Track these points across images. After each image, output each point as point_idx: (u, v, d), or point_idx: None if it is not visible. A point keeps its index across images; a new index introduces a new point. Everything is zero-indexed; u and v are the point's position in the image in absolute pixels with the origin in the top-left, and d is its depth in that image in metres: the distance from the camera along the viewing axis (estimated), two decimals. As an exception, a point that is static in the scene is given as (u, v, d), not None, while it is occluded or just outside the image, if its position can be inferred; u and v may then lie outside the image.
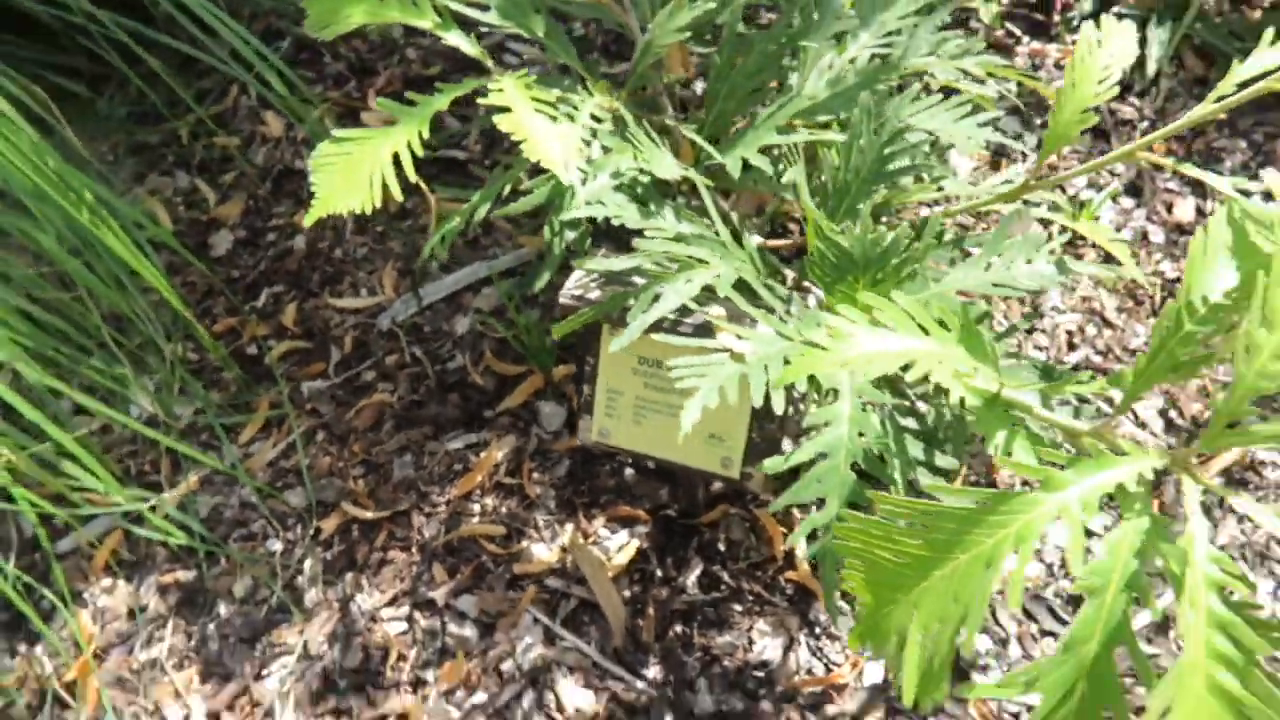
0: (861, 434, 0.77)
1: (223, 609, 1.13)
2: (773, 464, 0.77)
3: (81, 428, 1.26)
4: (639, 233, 0.85)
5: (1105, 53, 0.84)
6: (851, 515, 0.59)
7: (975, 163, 1.50)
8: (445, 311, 1.37)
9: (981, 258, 0.87)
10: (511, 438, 1.23)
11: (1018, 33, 1.64)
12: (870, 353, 0.64)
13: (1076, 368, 1.27)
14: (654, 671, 1.06)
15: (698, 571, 1.13)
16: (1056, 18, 1.66)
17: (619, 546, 1.14)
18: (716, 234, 0.88)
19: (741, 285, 0.85)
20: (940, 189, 1.03)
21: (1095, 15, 1.66)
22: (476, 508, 1.18)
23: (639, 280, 0.88)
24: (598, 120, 0.94)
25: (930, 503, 0.58)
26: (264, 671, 1.08)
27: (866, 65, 1.02)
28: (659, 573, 1.13)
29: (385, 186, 0.84)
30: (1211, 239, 0.66)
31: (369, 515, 1.18)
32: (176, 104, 1.60)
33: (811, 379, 0.77)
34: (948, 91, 1.04)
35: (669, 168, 0.89)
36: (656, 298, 0.81)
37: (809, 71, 1.04)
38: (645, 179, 0.90)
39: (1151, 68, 1.56)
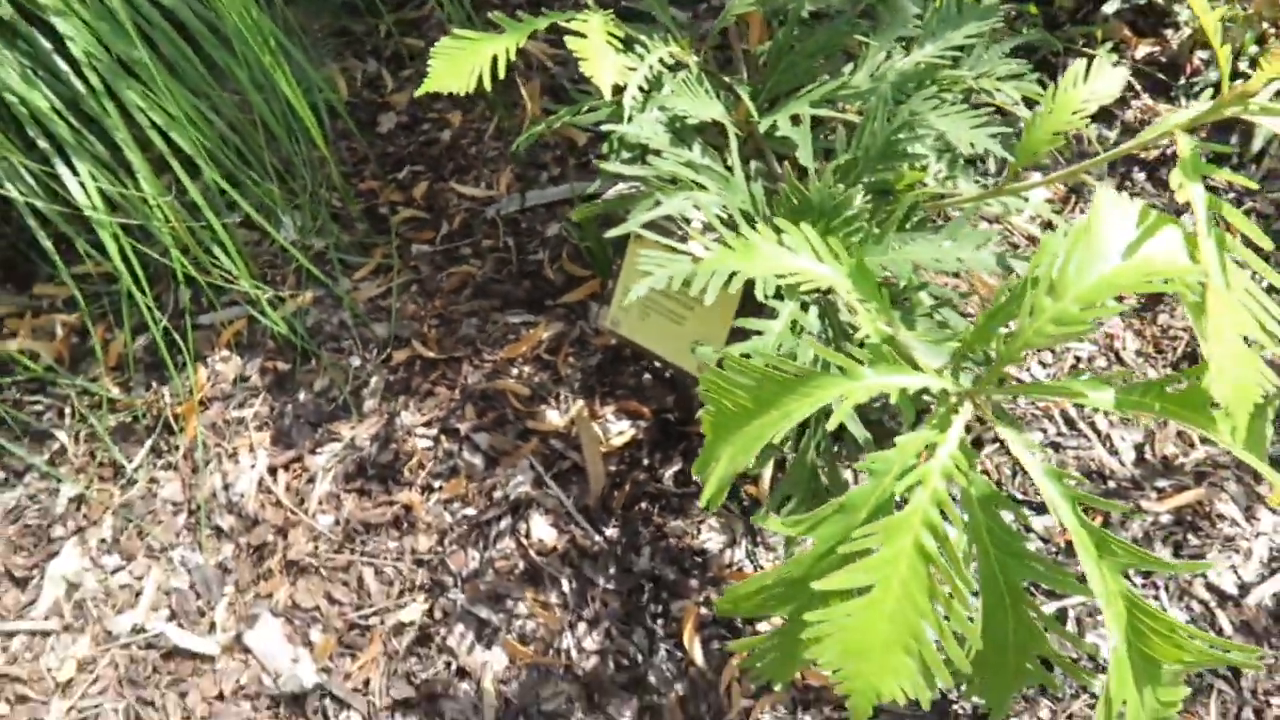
0: (781, 345, 0.94)
1: (301, 396, 1.41)
2: (703, 353, 0.95)
3: (241, 236, 1.57)
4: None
5: (1088, 88, 0.96)
6: (713, 370, 0.78)
7: (1049, 194, 1.59)
8: (542, 215, 1.60)
9: (938, 239, 1.01)
10: (561, 325, 1.45)
11: (1137, 88, 1.70)
12: (768, 262, 0.82)
13: (1071, 390, 1.37)
14: (611, 532, 1.26)
15: (676, 468, 1.32)
16: (1182, 80, 1.71)
17: (619, 432, 1.35)
18: (730, 173, 1.07)
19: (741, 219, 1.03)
20: (952, 182, 1.17)
21: (1219, 85, 1.71)
22: (515, 371, 1.41)
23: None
24: (667, 66, 1.14)
25: (764, 368, 0.75)
26: (317, 450, 1.36)
27: (910, 68, 1.17)
28: (644, 461, 1.33)
29: (481, 78, 1.07)
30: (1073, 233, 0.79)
31: (431, 355, 1.43)
32: (382, 4, 1.90)
33: (751, 297, 0.94)
34: (979, 105, 1.17)
35: (705, 110, 1.08)
36: (656, 204, 1.01)
37: (864, 65, 1.20)
38: (689, 119, 1.09)
39: (1258, 144, 1.60)
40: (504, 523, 1.27)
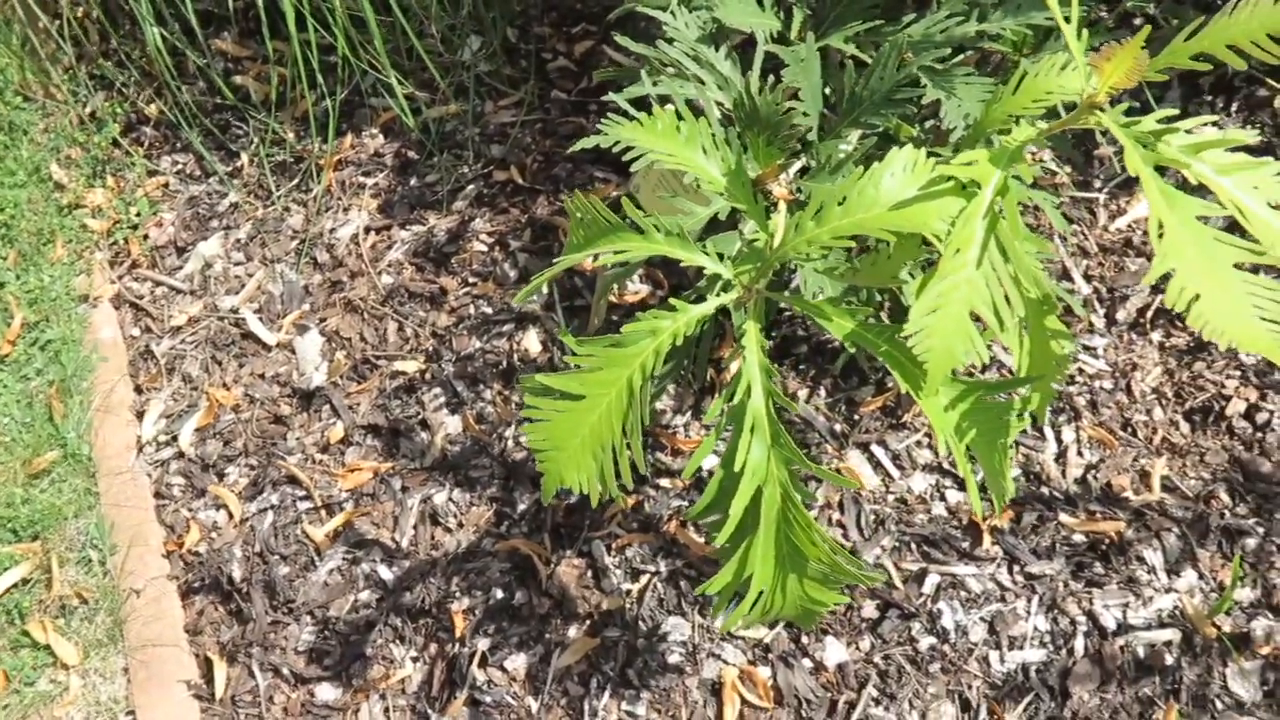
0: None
1: (413, 181, 1.70)
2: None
3: (427, 45, 1.86)
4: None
5: (1059, 81, 0.99)
6: (572, 206, 0.94)
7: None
8: (669, 96, 1.76)
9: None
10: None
11: (1315, 131, 1.55)
12: (661, 144, 0.96)
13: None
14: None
15: (666, 337, 1.47)
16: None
17: (634, 291, 1.52)
18: (747, 78, 1.18)
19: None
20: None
21: None
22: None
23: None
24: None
25: (597, 214, 0.91)
26: (405, 226, 1.65)
27: (961, 32, 1.20)
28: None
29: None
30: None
31: (521, 182, 1.66)
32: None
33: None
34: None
35: (743, 19, 1.19)
36: (655, 84, 1.16)
37: (925, 19, 1.24)
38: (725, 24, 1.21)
39: None
40: (507, 327, 1.50)
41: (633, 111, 1.14)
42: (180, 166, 1.82)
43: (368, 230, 1.65)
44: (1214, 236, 0.71)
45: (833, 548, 0.81)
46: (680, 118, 0.97)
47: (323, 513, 1.39)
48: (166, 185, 1.79)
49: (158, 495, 1.45)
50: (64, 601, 1.36)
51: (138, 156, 1.81)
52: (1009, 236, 0.78)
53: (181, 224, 1.73)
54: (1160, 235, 0.71)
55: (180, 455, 1.47)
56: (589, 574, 1.29)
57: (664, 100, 1.19)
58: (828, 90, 1.24)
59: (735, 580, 0.84)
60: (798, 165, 1.21)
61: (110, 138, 1.80)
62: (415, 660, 1.27)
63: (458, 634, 1.26)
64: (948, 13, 1.23)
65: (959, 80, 1.18)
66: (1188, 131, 0.80)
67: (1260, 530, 1.25)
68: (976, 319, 0.78)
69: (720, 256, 1.02)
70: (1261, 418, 1.32)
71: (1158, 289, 1.43)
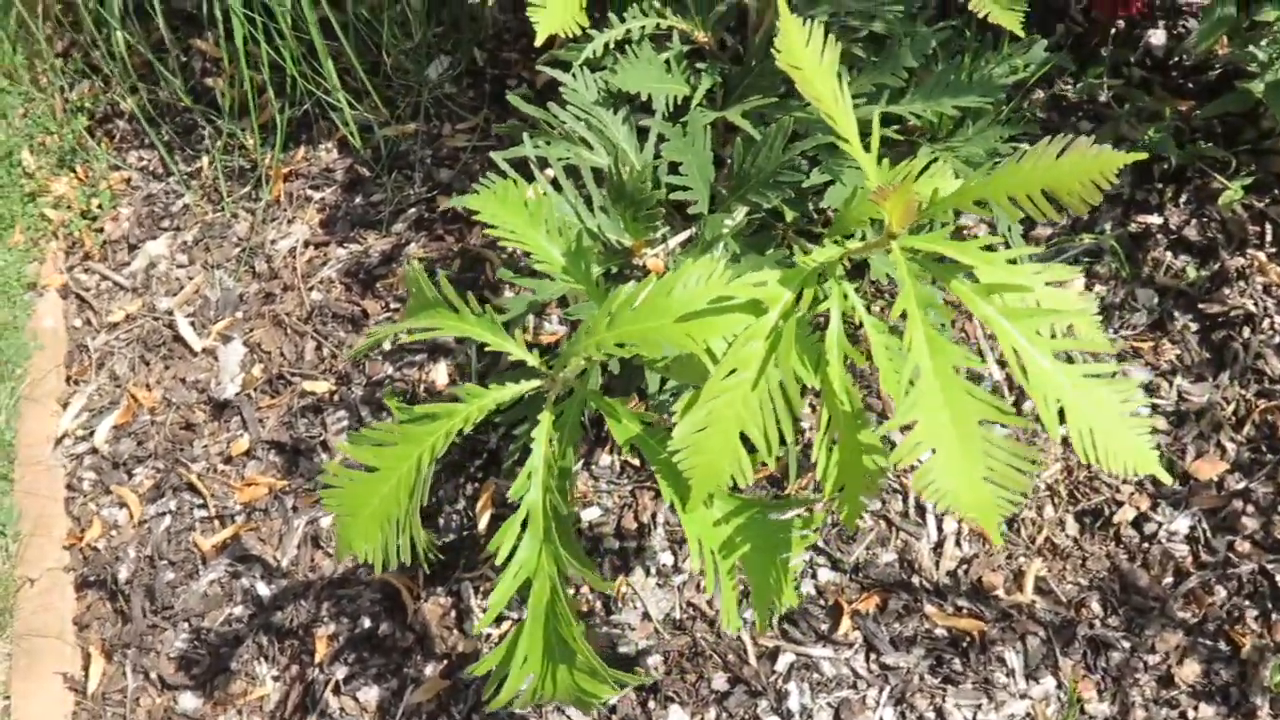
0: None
1: (358, 199, 1.73)
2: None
3: (393, 63, 1.88)
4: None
5: (918, 185, 0.98)
6: (410, 277, 0.96)
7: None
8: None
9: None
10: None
11: (1265, 236, 1.50)
12: (509, 218, 0.97)
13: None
14: (489, 402, 1.47)
15: (573, 381, 1.49)
16: (1330, 250, 1.49)
17: (550, 331, 1.53)
18: (640, 145, 1.19)
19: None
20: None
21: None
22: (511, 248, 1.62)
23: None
24: (652, 36, 1.25)
25: (428, 291, 0.93)
26: (344, 244, 1.68)
27: (863, 115, 1.19)
28: (554, 363, 1.51)
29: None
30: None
31: (461, 211, 1.68)
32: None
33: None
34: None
35: (632, 83, 1.20)
36: (536, 146, 1.17)
37: (833, 95, 1.23)
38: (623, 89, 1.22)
39: None
40: (420, 356, 1.52)
41: (510, 173, 1.15)
42: (145, 163, 1.87)
43: (306, 244, 1.69)
44: (966, 390, 0.71)
45: (591, 653, 0.81)
46: (539, 189, 0.99)
47: (215, 523, 1.43)
48: (129, 180, 1.84)
49: (69, 488, 1.50)
50: (-38, 582, 1.42)
51: (103, 150, 1.86)
52: (786, 360, 0.77)
53: (136, 220, 1.78)
54: (912, 382, 0.70)
55: (94, 451, 1.52)
56: (453, 614, 1.31)
57: (545, 163, 1.20)
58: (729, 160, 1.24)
59: (503, 665, 0.85)
60: (684, 235, 1.21)
61: (81, 128, 1.86)
62: (276, 680, 1.30)
63: (318, 659, 1.29)
64: (853, 93, 1.22)
65: (848, 166, 1.17)
66: (1012, 261, 0.80)
67: (1126, 645, 1.22)
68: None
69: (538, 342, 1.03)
70: (1149, 528, 1.29)
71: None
